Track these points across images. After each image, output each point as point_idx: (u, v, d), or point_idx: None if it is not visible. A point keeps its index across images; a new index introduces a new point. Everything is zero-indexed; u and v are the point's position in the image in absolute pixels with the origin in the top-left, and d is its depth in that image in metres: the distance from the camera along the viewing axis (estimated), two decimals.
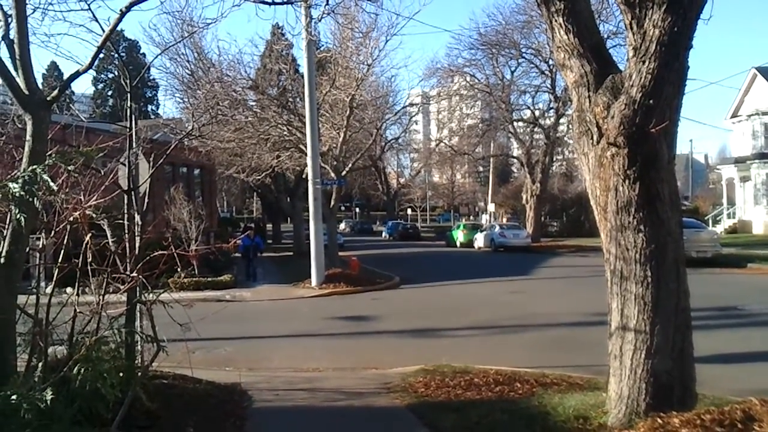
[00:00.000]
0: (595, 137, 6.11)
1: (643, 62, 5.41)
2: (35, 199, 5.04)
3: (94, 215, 6.26)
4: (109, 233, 6.65)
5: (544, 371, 9.59)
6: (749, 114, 46.75)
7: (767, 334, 12.82)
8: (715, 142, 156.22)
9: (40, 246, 6.35)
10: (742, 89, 47.95)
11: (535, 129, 51.97)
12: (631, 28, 5.61)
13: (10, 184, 4.95)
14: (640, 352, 5.79)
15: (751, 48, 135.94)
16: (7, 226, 5.52)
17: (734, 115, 49.33)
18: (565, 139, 53.45)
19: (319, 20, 22.78)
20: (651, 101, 5.45)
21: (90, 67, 6.52)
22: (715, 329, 12.83)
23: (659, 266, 5.79)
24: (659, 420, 5.35)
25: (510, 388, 8.54)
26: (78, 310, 5.95)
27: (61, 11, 8.09)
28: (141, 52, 77.17)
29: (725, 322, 14.22)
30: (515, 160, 67.46)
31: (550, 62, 42.77)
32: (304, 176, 31.00)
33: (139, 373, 6.19)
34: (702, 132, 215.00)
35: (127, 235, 6.67)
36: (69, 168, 5.43)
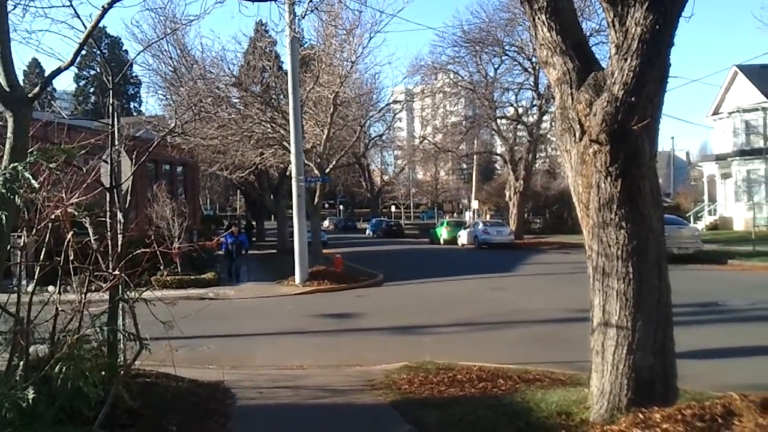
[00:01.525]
0: (577, 134, 6.14)
1: (626, 60, 5.44)
2: (16, 196, 5.00)
3: (75, 213, 6.22)
4: (91, 231, 6.61)
5: (527, 367, 9.65)
6: (730, 111, 47.19)
7: (748, 330, 12.94)
8: (696, 140, 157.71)
9: (22, 244, 6.30)
10: (723, 87, 48.38)
11: (519, 126, 52.11)
12: (614, 26, 5.64)
13: None
14: (621, 347, 5.83)
15: (733, 46, 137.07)
16: None
17: (715, 113, 49.77)
18: (548, 136, 53.61)
19: (303, 17, 22.70)
20: (633, 98, 5.48)
21: (72, 63, 6.46)
22: (697, 325, 12.93)
23: (641, 262, 5.84)
24: (641, 415, 5.40)
25: (493, 384, 8.57)
26: (60, 309, 5.91)
27: (42, 7, 8.03)
28: (123, 49, 76.96)
29: (706, 318, 14.34)
30: (499, 158, 67.81)
31: (533, 59, 42.99)
32: (287, 173, 30.90)
33: (122, 372, 6.16)
34: (684, 129, 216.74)
35: (109, 233, 6.63)
36: (50, 165, 5.38)
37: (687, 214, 48.52)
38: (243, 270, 26.24)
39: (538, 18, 6.26)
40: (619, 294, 5.86)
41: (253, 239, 47.85)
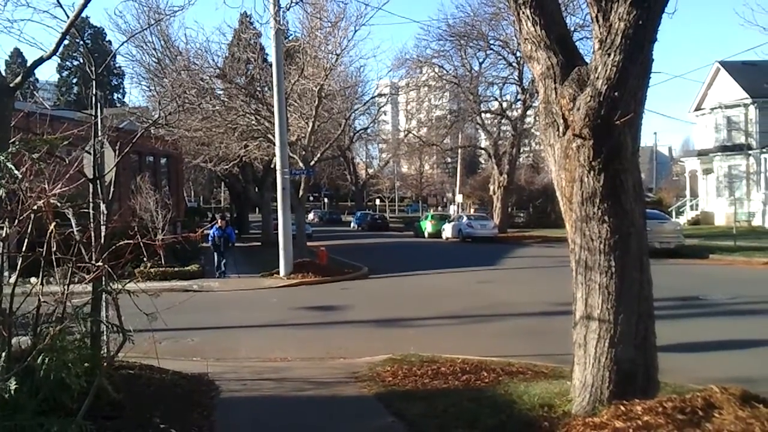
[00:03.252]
0: (561, 129, 6.16)
1: (609, 55, 5.47)
2: None
3: (58, 204, 6.18)
4: (74, 222, 6.57)
5: (510, 360, 9.69)
6: (712, 107, 47.54)
7: (728, 324, 13.07)
8: (679, 135, 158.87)
9: (4, 235, 6.26)
10: (705, 83, 48.74)
11: (503, 120, 52.18)
12: (597, 21, 5.66)
13: None
14: (603, 340, 5.87)
15: (715, 42, 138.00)
16: None
17: (698, 109, 50.11)
18: (532, 130, 53.87)
19: (288, 9, 22.65)
20: (616, 93, 5.51)
21: (54, 53, 6.42)
22: (678, 319, 13.04)
23: (623, 256, 5.87)
24: (622, 407, 5.44)
25: (476, 376, 8.61)
26: (42, 300, 5.88)
27: None
28: (107, 39, 75.84)
29: (687, 311, 14.46)
30: (483, 152, 67.81)
31: (518, 54, 43.07)
32: (272, 166, 30.87)
33: (105, 363, 6.14)
34: (666, 125, 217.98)
35: (92, 225, 6.59)
36: (33, 156, 5.35)
37: (669, 209, 48.95)
38: (230, 263, 25.49)
39: (523, 12, 6.27)
40: (601, 287, 5.90)
41: (236, 231, 47.70)
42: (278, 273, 23.83)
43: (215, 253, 24.83)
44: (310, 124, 26.63)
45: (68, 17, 6.61)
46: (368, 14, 32.12)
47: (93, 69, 7.57)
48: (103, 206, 6.92)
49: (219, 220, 25.84)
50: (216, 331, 13.96)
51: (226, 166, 34.10)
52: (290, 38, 30.39)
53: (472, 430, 6.14)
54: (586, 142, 5.79)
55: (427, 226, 50.55)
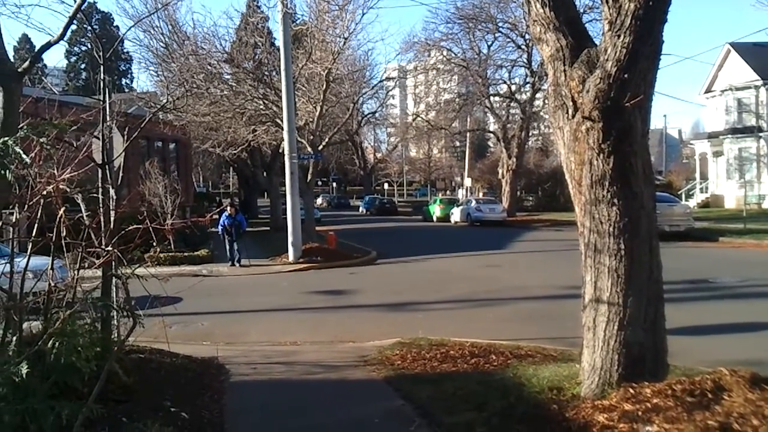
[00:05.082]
0: (570, 111, 6.12)
1: (619, 36, 5.42)
2: (7, 172, 4.97)
3: (67, 189, 6.20)
4: (83, 207, 6.60)
5: (519, 343, 9.69)
6: (723, 89, 47.20)
7: (738, 307, 13.03)
8: (689, 118, 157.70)
9: (14, 220, 6.29)
10: (716, 65, 48.37)
11: (512, 104, 51.99)
12: (607, 2, 5.61)
13: None
14: (613, 323, 5.86)
15: (726, 24, 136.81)
16: None
17: (708, 91, 49.76)
18: (541, 113, 53.56)
19: None
20: (626, 75, 5.46)
21: (61, 37, 6.42)
22: (687, 302, 13.01)
23: (632, 239, 5.85)
24: (631, 390, 5.44)
25: (485, 360, 8.62)
26: (53, 285, 5.91)
27: None
28: (114, 24, 76.25)
29: (697, 294, 14.43)
30: (492, 135, 67.69)
31: (527, 37, 42.74)
32: (280, 151, 30.83)
33: (115, 348, 6.17)
34: (676, 107, 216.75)
35: (101, 210, 6.62)
36: (42, 141, 5.36)
37: (679, 192, 48.78)
38: (242, 251, 23.91)
39: None
40: (610, 270, 5.88)
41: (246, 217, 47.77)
42: (287, 257, 23.87)
43: (225, 241, 23.91)
44: (318, 109, 26.57)
45: (75, 2, 6.59)
46: None
47: (101, 54, 7.57)
48: (112, 191, 6.94)
49: (229, 208, 25.28)
50: (226, 315, 14.03)
51: (235, 151, 34.12)
52: (298, 22, 30.20)
53: (480, 412, 6.14)
54: (595, 125, 5.75)
55: (436, 210, 50.50)
